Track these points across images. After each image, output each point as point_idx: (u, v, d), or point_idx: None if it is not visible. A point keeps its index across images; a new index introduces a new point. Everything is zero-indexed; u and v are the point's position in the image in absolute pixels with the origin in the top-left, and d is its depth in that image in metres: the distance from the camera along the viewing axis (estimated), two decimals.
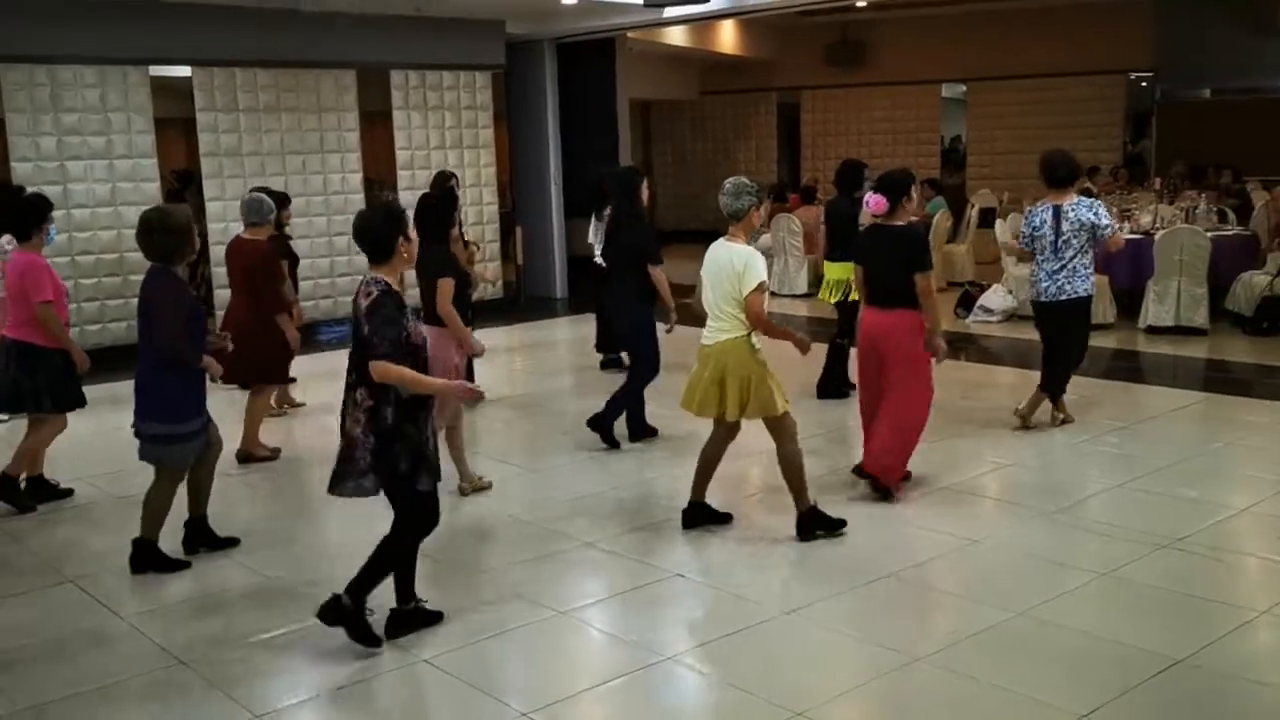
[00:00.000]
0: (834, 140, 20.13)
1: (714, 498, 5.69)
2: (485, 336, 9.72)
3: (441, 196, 6.75)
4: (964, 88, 20.31)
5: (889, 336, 5.92)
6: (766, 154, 20.64)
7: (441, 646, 4.38)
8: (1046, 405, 7.31)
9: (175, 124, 12.86)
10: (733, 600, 4.80)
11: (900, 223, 6.03)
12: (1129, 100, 19.28)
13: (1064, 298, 6.99)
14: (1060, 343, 7.19)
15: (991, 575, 4.99)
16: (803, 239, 13.37)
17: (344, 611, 4.28)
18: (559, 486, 6.40)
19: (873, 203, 6.05)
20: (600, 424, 7.15)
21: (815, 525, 5.40)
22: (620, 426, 7.23)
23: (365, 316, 4.14)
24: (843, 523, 5.45)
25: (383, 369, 4.10)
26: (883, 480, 5.97)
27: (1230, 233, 10.94)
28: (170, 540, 5.38)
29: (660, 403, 7.33)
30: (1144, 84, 19.90)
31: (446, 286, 5.93)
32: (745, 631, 4.46)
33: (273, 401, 8.12)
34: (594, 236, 9.72)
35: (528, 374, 10.14)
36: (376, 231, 4.27)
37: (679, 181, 20.89)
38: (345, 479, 4.26)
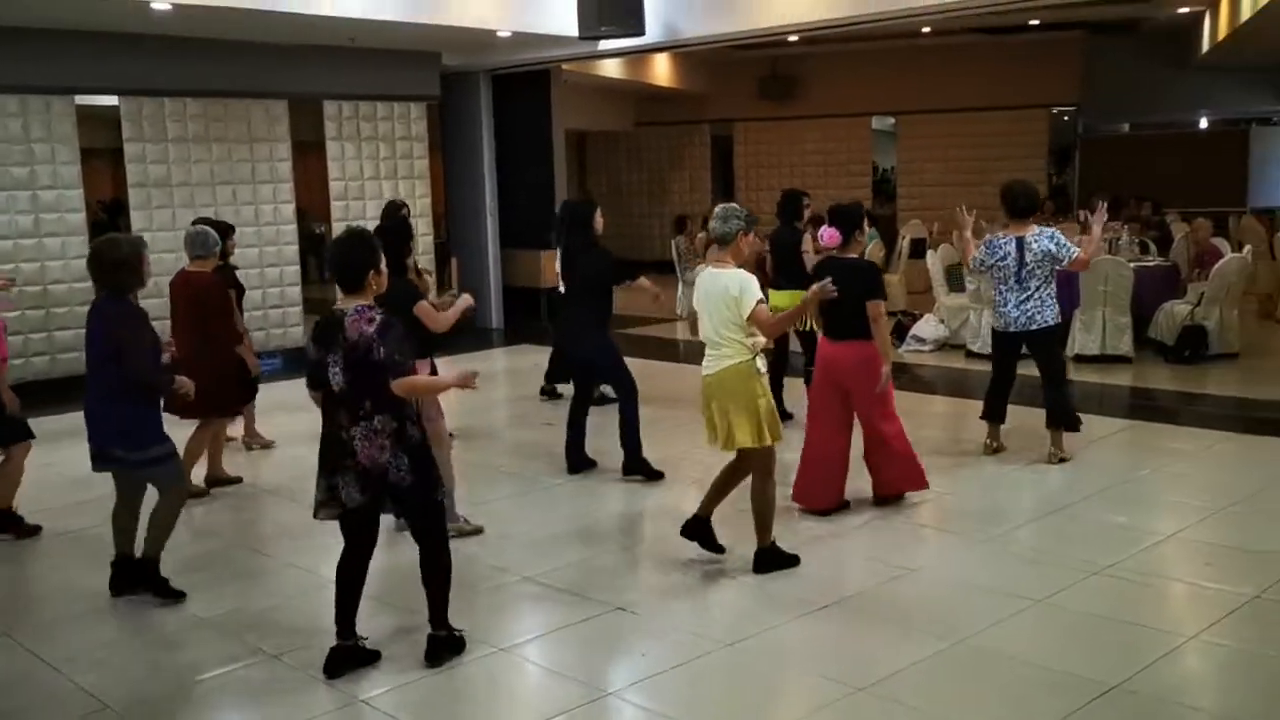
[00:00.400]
0: (767, 172, 20.36)
1: (665, 519, 5.65)
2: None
3: (392, 227, 6.67)
4: (893, 120, 20.71)
5: (856, 368, 6.05)
6: (701, 185, 20.82)
7: (380, 685, 4.31)
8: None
9: (102, 154, 12.64)
10: (675, 633, 4.78)
11: (853, 255, 6.17)
12: (1053, 134, 19.76)
13: (1035, 327, 7.08)
14: (1044, 368, 7.31)
15: (930, 604, 5.04)
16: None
17: (444, 642, 4.48)
18: (498, 520, 6.34)
19: (826, 236, 6.14)
20: (631, 465, 7.07)
21: (773, 563, 5.38)
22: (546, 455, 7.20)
23: (378, 340, 4.15)
24: (797, 560, 5.44)
25: (409, 383, 4.23)
26: (902, 489, 6.35)
27: (1152, 264, 11.25)
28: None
29: (604, 433, 7.33)
30: (1066, 118, 20.43)
31: (426, 308, 5.91)
32: (687, 665, 4.45)
33: (240, 439, 8.10)
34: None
35: (464, 406, 10.05)
36: (355, 260, 4.28)
37: (614, 212, 20.90)
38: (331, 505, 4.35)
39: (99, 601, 5.26)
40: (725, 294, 5.11)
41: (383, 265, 4.34)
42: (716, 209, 5.34)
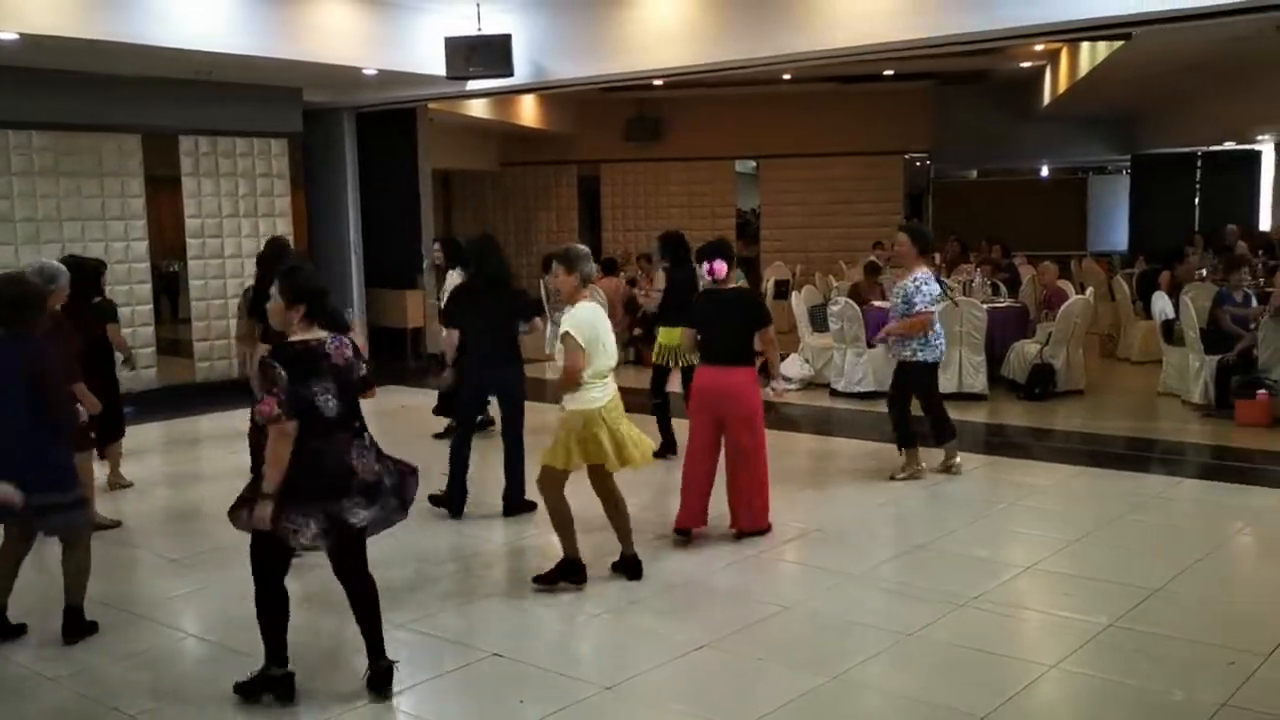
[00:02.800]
0: (633, 212, 20.58)
1: (516, 557, 5.61)
2: None
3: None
4: (755, 164, 21.20)
5: (735, 395, 6.31)
6: (568, 225, 20.89)
7: None
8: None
9: None
10: (552, 678, 4.73)
11: (732, 285, 6.55)
12: (908, 179, 20.52)
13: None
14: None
15: (803, 640, 5.10)
16: (607, 309, 13.51)
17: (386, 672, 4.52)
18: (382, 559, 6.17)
19: (714, 268, 6.42)
20: (514, 505, 7.06)
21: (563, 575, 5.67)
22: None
23: (358, 359, 4.49)
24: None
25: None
26: (756, 527, 6.48)
27: (1003, 305, 11.71)
28: None
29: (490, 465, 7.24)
30: (919, 164, 21.25)
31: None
32: (566, 710, 4.40)
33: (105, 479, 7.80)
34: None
35: None
36: (322, 289, 4.52)
37: None
38: (381, 520, 4.53)
39: None
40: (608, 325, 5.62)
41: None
42: (584, 249, 5.75)
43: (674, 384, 8.51)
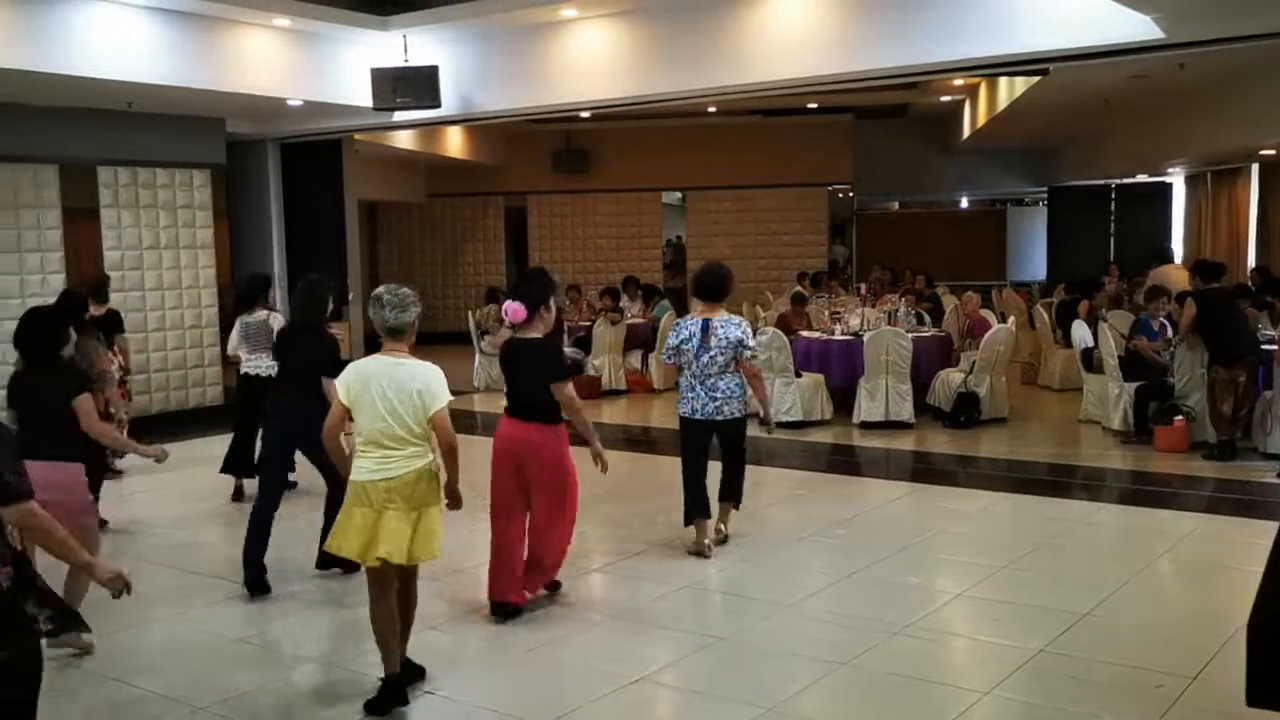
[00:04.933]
0: (561, 243, 20.60)
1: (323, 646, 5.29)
2: (190, 448, 9.17)
3: (60, 307, 6.22)
4: (681, 195, 21.36)
5: (537, 452, 5.70)
6: (495, 256, 20.84)
7: None
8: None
9: None
10: (493, 716, 4.65)
11: (536, 334, 5.78)
12: (832, 209, 20.82)
13: (721, 418, 6.72)
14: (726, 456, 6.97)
15: (740, 672, 5.09)
16: None
17: None
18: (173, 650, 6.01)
19: (511, 310, 5.70)
20: (323, 561, 6.44)
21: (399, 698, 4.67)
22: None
23: None
24: (423, 672, 4.95)
25: (21, 512, 3.32)
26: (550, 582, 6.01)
27: (928, 334, 11.90)
28: None
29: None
30: (841, 195, 21.58)
31: (87, 403, 5.22)
32: None
33: None
34: (239, 343, 8.61)
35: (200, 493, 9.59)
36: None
37: (405, 283, 20.64)
38: None
39: None
40: (411, 388, 4.56)
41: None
42: (384, 294, 4.74)
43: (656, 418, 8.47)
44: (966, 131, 18.17)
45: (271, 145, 13.55)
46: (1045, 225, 21.81)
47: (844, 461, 9.96)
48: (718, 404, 6.70)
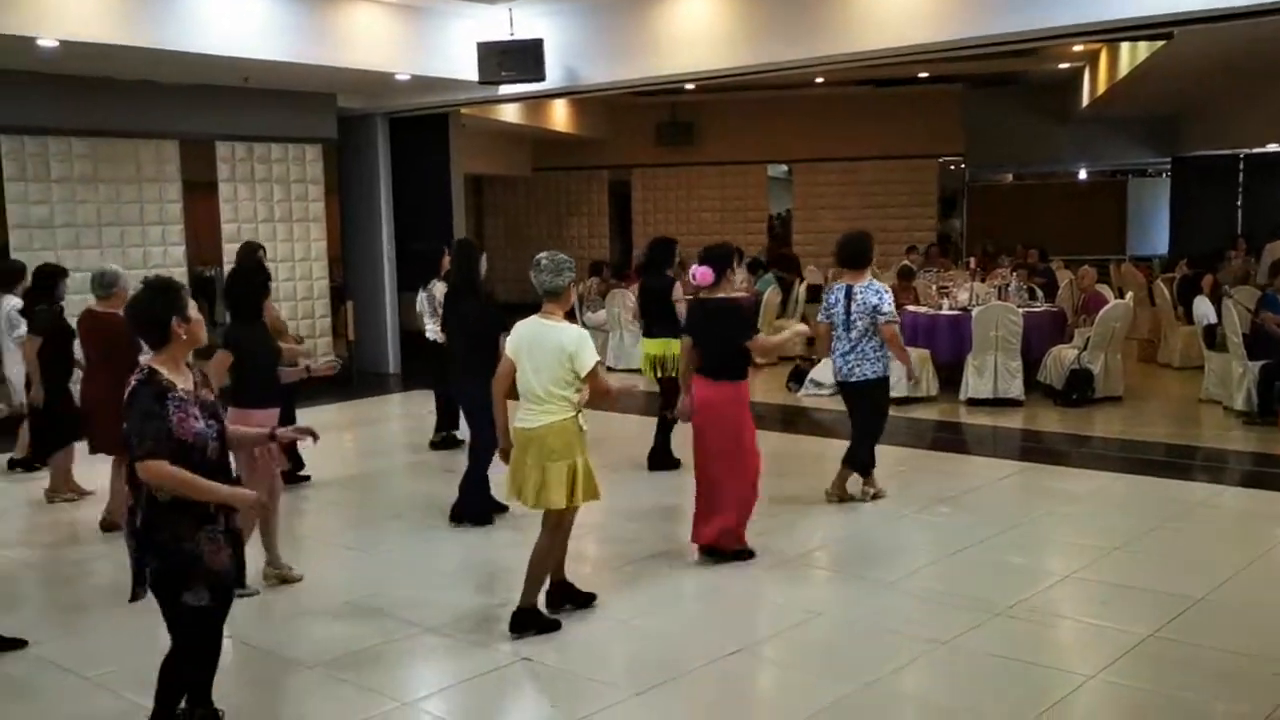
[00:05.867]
0: (664, 217, 20.55)
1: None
2: (314, 414, 9.45)
3: (249, 270, 6.53)
4: (787, 168, 21.12)
5: (714, 408, 6.03)
6: (599, 230, 20.91)
7: None
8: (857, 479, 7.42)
9: None
10: (583, 683, 4.70)
11: (723, 295, 6.14)
12: (942, 182, 20.35)
13: (854, 380, 7.13)
14: (854, 420, 7.37)
15: (833, 648, 5.04)
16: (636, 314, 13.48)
17: None
18: (392, 570, 6.18)
19: (698, 274, 6.10)
20: (460, 515, 6.96)
21: (531, 624, 5.12)
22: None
23: (125, 411, 3.66)
24: (558, 624, 5.20)
25: (154, 470, 3.59)
26: (731, 546, 6.10)
27: (1039, 309, 11.57)
28: None
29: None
30: (954, 167, 21.07)
31: (220, 360, 5.58)
32: (597, 715, 4.37)
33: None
34: (423, 309, 9.31)
35: (358, 453, 9.85)
36: (146, 313, 3.79)
37: (512, 257, 20.91)
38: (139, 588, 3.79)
39: None
40: (559, 350, 4.91)
41: (191, 313, 3.82)
42: (543, 259, 5.10)
43: None
44: (1085, 100, 17.56)
45: (381, 120, 13.78)
46: (1168, 197, 20.98)
47: (949, 439, 9.76)
48: (850, 366, 7.11)
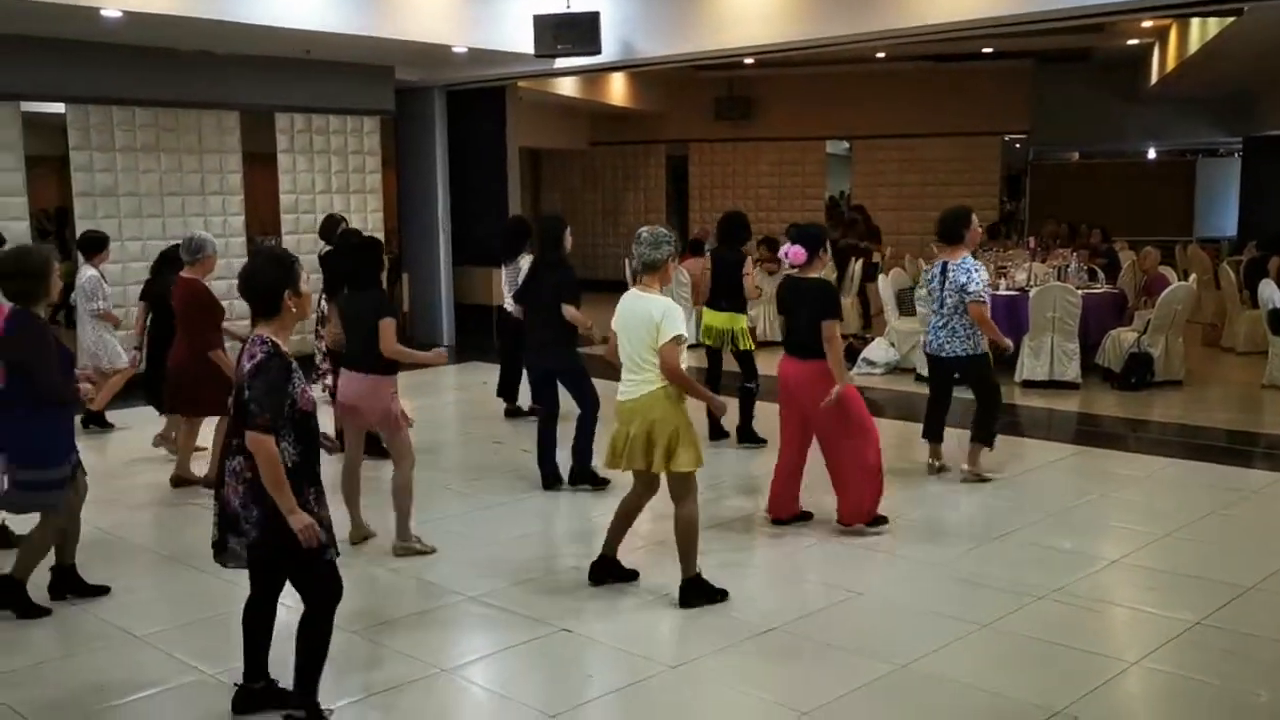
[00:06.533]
0: (721, 193, 20.44)
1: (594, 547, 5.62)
2: None
3: (371, 242, 6.67)
4: (848, 144, 20.87)
5: (808, 387, 6.09)
6: (655, 205, 20.84)
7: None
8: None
9: (48, 162, 12.40)
10: (621, 655, 4.73)
11: (815, 274, 6.23)
12: (1005, 160, 20.00)
13: (944, 355, 7.27)
14: (934, 394, 7.56)
15: (875, 628, 5.02)
16: (690, 289, 13.44)
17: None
18: (447, 540, 6.24)
19: (791, 254, 6.18)
20: (579, 474, 7.17)
21: (698, 594, 5.21)
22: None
23: (249, 379, 3.74)
24: (725, 594, 5.26)
25: (264, 444, 3.69)
26: (862, 521, 6.21)
27: (1099, 291, 11.37)
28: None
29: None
30: (1018, 145, 20.69)
31: (388, 327, 5.79)
32: (632, 687, 4.40)
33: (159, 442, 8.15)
34: (505, 283, 9.40)
35: (416, 424, 9.93)
36: (266, 283, 3.85)
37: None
38: (226, 550, 3.93)
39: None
40: (649, 319, 4.98)
41: (302, 286, 3.90)
42: (643, 233, 5.17)
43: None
44: (1154, 77, 17.14)
45: (438, 93, 13.86)
46: (1238, 177, 20.44)
47: (1003, 421, 9.59)
48: (940, 341, 7.26)
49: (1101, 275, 12.28)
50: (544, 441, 7.34)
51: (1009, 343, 7.69)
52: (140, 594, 5.52)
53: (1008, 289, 11.23)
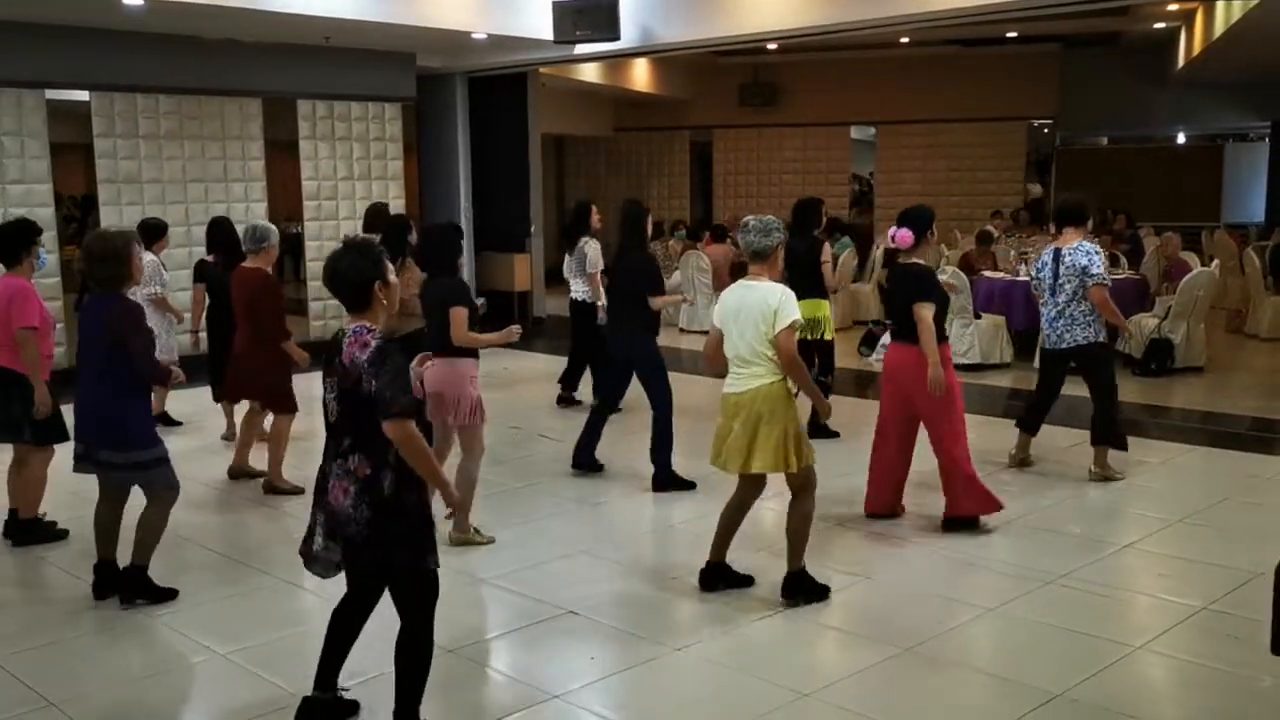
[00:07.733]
0: (746, 178, 20.42)
1: (681, 549, 5.51)
2: None
3: (451, 227, 6.55)
4: (873, 130, 20.78)
5: (907, 370, 5.97)
6: (680, 192, 20.85)
7: None
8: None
9: (73, 149, 12.56)
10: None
11: (916, 259, 6.07)
12: (1031, 145, 19.85)
13: (1064, 346, 6.94)
14: (1043, 390, 7.32)
15: (883, 612, 5.03)
16: (711, 276, 13.47)
17: None
18: (533, 545, 5.97)
19: (899, 237, 6.04)
20: (660, 479, 6.92)
21: (800, 588, 5.06)
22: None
23: (370, 369, 3.54)
24: (827, 590, 5.12)
25: (407, 430, 3.53)
26: (972, 514, 6.06)
27: (1121, 276, 11.27)
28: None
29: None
30: (1045, 130, 20.52)
31: (458, 315, 5.65)
32: (637, 668, 4.43)
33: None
34: (569, 271, 9.19)
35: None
36: (354, 277, 3.71)
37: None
38: (317, 559, 3.77)
39: (79, 605, 5.17)
40: (765, 306, 4.77)
41: (391, 277, 3.77)
42: (751, 221, 4.97)
43: None
44: (1181, 61, 16.94)
45: (460, 79, 13.90)
46: (1267, 163, 20.20)
47: (1021, 406, 9.55)
48: (1059, 333, 6.92)
49: (1124, 261, 12.20)
50: (591, 430, 7.27)
51: (1130, 327, 7.36)
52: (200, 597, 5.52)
53: (1029, 274, 11.14)
